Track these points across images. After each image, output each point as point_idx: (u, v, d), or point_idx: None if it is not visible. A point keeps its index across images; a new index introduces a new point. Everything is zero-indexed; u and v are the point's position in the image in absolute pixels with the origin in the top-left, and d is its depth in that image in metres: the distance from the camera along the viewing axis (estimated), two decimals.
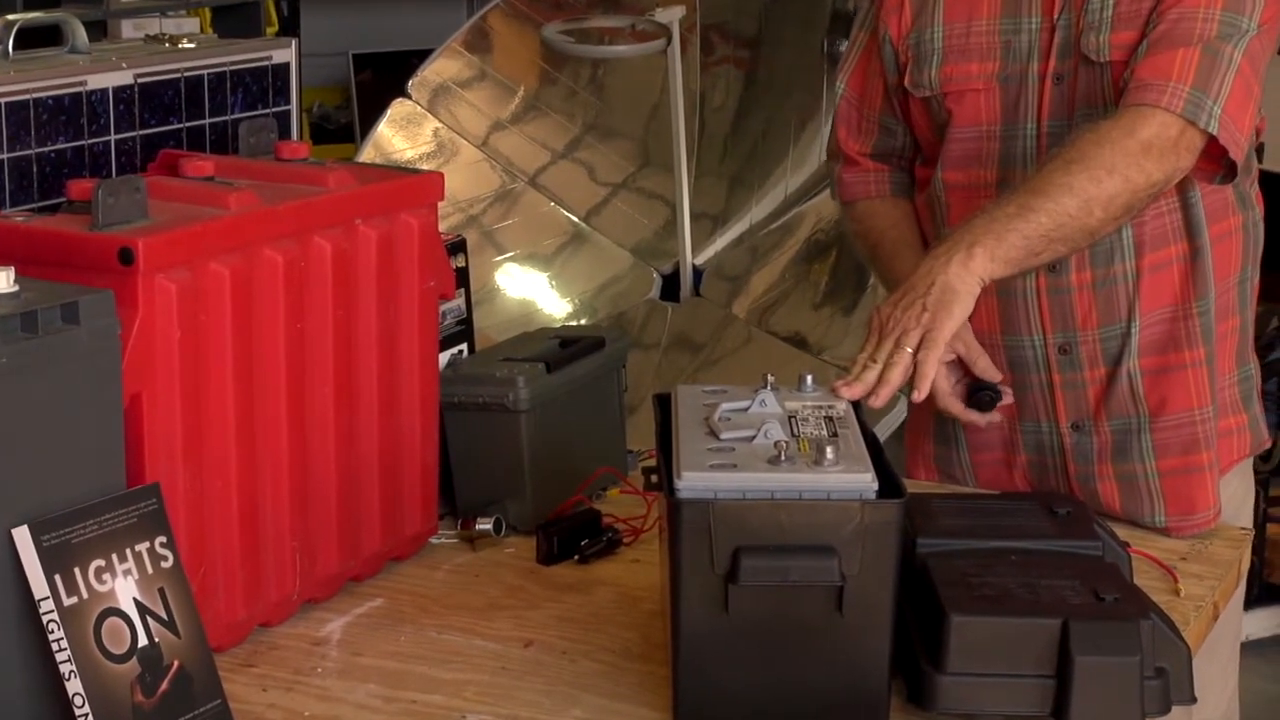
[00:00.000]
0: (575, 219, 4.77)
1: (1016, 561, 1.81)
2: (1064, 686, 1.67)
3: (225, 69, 2.31)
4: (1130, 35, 2.17)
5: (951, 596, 1.71)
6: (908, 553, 1.75)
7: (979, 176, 2.27)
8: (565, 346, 2.28)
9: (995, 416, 2.20)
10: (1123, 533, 2.05)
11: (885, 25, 2.34)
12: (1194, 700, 1.75)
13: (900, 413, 4.01)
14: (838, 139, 2.46)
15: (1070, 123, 2.20)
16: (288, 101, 2.40)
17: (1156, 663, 1.70)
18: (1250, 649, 3.39)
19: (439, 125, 4.69)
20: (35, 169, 2.07)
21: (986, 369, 2.17)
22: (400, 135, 4.65)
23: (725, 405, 1.82)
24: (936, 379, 2.07)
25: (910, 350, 1.96)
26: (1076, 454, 2.29)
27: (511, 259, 4.68)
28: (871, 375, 1.95)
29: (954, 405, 2.16)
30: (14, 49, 2.16)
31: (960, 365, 2.18)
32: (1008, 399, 2.20)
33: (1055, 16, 2.22)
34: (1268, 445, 2.42)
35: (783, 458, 1.68)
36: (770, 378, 1.86)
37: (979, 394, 2.17)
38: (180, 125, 2.25)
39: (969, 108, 2.27)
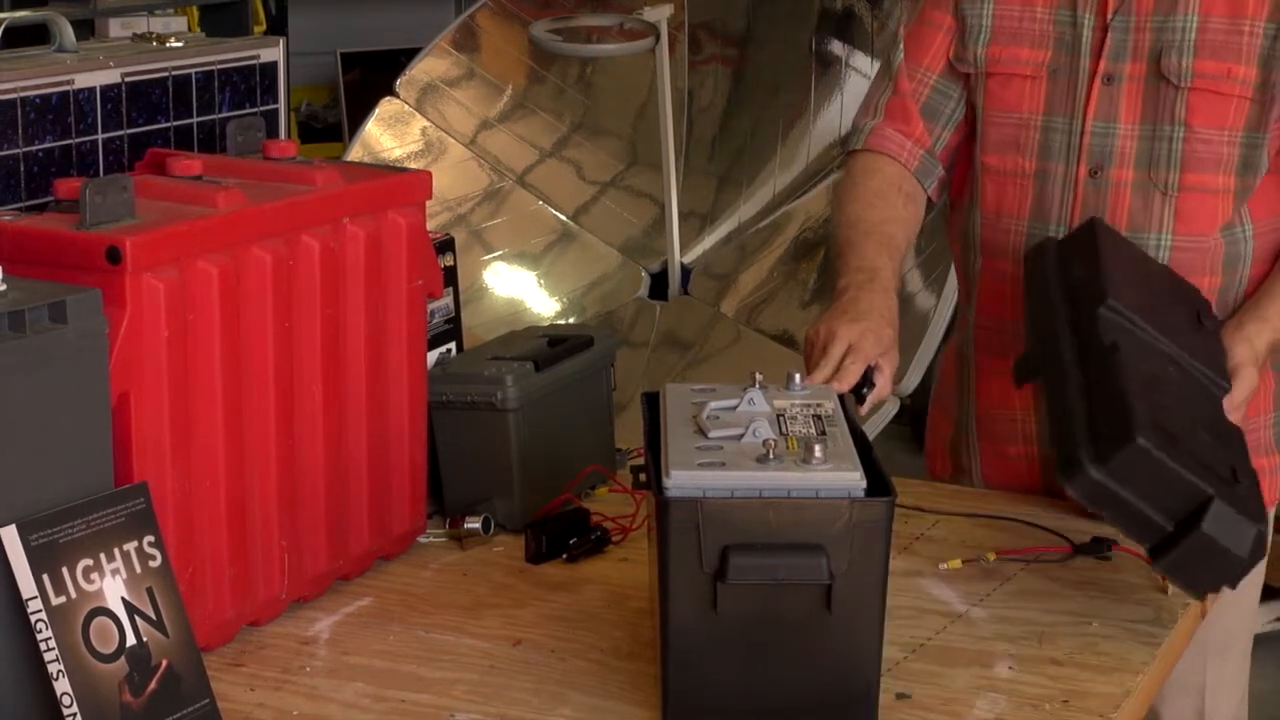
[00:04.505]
0: (563, 217, 4.77)
1: (1179, 380, 1.96)
2: (1175, 540, 1.81)
3: (213, 68, 2.31)
4: (1217, 66, 2.16)
5: (1142, 416, 1.81)
6: (1088, 314, 1.86)
7: (1017, 165, 2.27)
8: (553, 345, 2.27)
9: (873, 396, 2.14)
10: (1108, 529, 2.06)
11: None
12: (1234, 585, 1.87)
13: (887, 413, 4.02)
14: (894, 72, 2.35)
15: (1116, 126, 2.19)
16: (275, 100, 2.40)
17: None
18: None
19: (427, 124, 4.68)
20: (22, 168, 2.07)
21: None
22: (388, 134, 4.65)
23: (714, 404, 1.82)
24: (850, 375, 2.08)
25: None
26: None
27: (500, 258, 4.68)
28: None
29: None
30: (1, 48, 2.16)
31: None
32: (880, 384, 2.13)
33: (1109, 17, 2.20)
34: None
35: (771, 456, 1.68)
36: (759, 376, 1.86)
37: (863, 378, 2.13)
38: (168, 124, 2.25)
39: (1013, 93, 2.26)
